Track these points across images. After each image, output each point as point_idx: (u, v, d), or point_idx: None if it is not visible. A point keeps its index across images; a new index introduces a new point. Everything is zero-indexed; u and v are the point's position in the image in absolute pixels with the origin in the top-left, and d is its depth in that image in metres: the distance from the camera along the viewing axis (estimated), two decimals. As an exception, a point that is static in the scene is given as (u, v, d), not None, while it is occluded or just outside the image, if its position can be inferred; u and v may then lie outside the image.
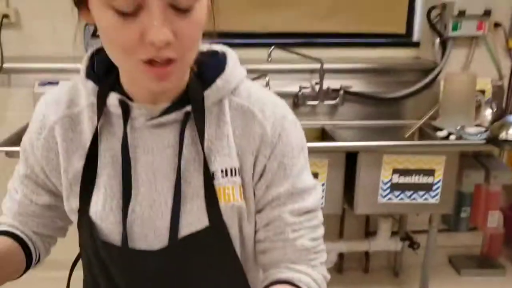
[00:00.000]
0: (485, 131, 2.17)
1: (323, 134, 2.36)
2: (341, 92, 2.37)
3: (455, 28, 2.36)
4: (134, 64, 0.64)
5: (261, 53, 2.27)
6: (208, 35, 0.72)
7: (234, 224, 0.78)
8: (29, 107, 2.22)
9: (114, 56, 0.68)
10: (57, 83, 2.22)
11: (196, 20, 0.65)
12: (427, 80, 2.39)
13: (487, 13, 2.33)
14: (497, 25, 2.44)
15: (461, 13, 2.31)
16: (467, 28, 2.36)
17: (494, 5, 2.35)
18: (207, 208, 0.75)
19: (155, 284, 0.79)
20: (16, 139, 1.90)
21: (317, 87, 2.36)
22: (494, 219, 2.59)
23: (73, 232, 0.86)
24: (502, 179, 2.41)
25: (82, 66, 0.79)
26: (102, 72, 0.77)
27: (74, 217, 0.81)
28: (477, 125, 2.26)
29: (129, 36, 0.62)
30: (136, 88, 0.74)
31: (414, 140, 2.29)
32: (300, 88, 2.35)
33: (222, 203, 0.76)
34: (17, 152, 1.79)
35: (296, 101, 2.37)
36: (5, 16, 2.22)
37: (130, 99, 0.75)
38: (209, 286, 0.81)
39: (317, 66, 2.28)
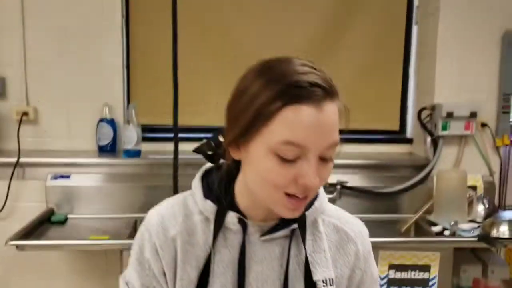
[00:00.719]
0: (478, 227, 2.24)
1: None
2: (338, 186, 2.47)
3: (444, 128, 2.50)
4: (278, 196, 0.78)
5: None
6: None
7: None
8: (41, 199, 2.32)
9: (261, 188, 0.80)
10: (68, 176, 2.34)
11: (331, 167, 0.80)
12: (420, 176, 2.50)
13: (473, 114, 2.49)
14: (484, 125, 2.59)
15: (449, 115, 2.47)
16: (456, 128, 2.51)
17: (480, 107, 2.52)
18: None
19: None
20: (26, 233, 1.97)
21: (315, 182, 2.46)
22: (494, 315, 2.58)
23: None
24: (499, 273, 2.44)
25: (196, 186, 0.90)
26: (218, 191, 0.88)
27: None
28: (471, 221, 2.34)
29: (285, 177, 0.76)
30: (254, 210, 0.87)
31: (410, 235, 2.35)
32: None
33: None
34: (28, 246, 1.88)
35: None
36: (25, 113, 2.38)
37: (245, 217, 0.87)
38: None
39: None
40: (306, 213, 0.89)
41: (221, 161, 0.93)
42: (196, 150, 0.94)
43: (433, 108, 2.54)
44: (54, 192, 2.32)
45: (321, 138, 0.75)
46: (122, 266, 1.95)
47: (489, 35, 2.54)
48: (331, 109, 0.76)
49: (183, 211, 0.90)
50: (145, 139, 2.49)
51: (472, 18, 2.52)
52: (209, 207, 0.87)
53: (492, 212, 2.42)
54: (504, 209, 2.65)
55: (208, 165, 0.94)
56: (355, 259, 0.92)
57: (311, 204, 0.90)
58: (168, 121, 2.61)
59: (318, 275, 0.88)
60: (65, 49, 2.42)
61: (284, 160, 0.75)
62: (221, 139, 0.89)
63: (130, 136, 2.40)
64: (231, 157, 0.85)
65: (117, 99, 2.50)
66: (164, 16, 2.47)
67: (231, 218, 0.86)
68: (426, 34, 2.66)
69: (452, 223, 2.21)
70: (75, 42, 2.42)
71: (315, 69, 0.78)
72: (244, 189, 0.87)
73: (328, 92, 0.76)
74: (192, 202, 0.90)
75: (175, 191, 0.99)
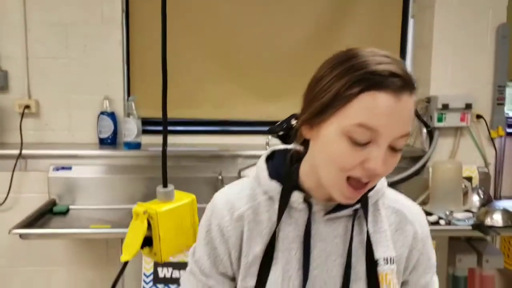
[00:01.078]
0: (473, 216, 2.28)
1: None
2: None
3: (440, 119, 2.54)
4: (339, 179, 0.81)
5: (261, 139, 2.45)
6: None
7: None
8: (43, 190, 2.36)
9: (326, 168, 0.83)
10: (70, 168, 2.38)
11: (398, 158, 0.82)
12: (416, 167, 2.53)
13: (469, 106, 2.53)
14: (479, 116, 2.62)
15: (445, 106, 2.50)
16: (451, 119, 2.55)
17: (475, 99, 2.56)
18: None
19: None
20: (29, 223, 2.01)
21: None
22: (490, 304, 2.62)
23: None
24: (494, 263, 2.48)
25: (261, 168, 0.95)
26: (283, 172, 0.93)
27: None
28: (466, 211, 2.37)
29: (353, 160, 0.79)
30: (318, 190, 0.90)
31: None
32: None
33: (383, 286, 0.90)
34: (32, 234, 1.92)
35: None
36: (27, 106, 2.42)
37: (309, 196, 0.91)
38: None
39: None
40: (368, 195, 0.92)
41: (284, 146, 0.98)
42: (269, 130, 1.00)
43: (428, 100, 2.57)
44: (56, 184, 2.36)
45: (395, 126, 0.78)
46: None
47: (484, 28, 2.58)
48: (408, 100, 0.79)
49: (247, 192, 0.95)
50: (144, 132, 2.53)
51: (467, 12, 2.56)
52: (274, 187, 0.92)
53: (487, 202, 2.46)
54: (500, 200, 2.69)
55: (270, 149, 0.99)
56: (412, 240, 0.96)
57: (373, 187, 0.92)
58: (167, 114, 2.67)
59: (379, 254, 0.91)
60: (66, 44, 2.46)
61: (355, 143, 0.78)
62: (293, 122, 0.94)
63: (131, 129, 2.44)
64: (301, 138, 0.90)
65: (117, 92, 2.54)
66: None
67: (297, 197, 0.90)
68: (422, 28, 2.69)
69: (447, 213, 2.24)
70: (75, 37, 2.46)
71: (396, 60, 0.81)
72: (309, 169, 0.91)
73: (407, 83, 0.79)
74: (256, 184, 0.95)
75: (164, 183, 1.03)
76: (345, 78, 0.79)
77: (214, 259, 0.95)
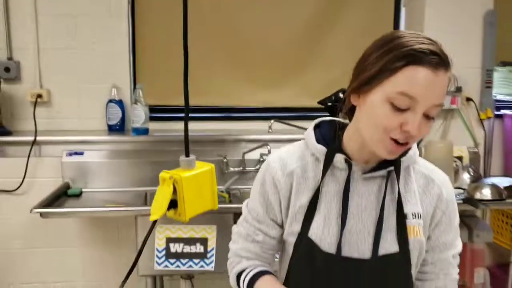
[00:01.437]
0: (464, 192, 2.43)
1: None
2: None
3: (431, 102, 2.68)
4: (383, 138, 0.97)
5: (263, 125, 2.59)
6: None
7: (414, 254, 1.08)
8: (56, 174, 2.49)
9: (370, 130, 0.99)
10: (82, 153, 2.50)
11: (431, 125, 0.98)
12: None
13: (459, 89, 2.68)
14: (468, 99, 2.77)
15: (436, 90, 2.64)
16: (442, 102, 2.69)
17: (465, 83, 2.70)
18: (398, 239, 1.05)
19: (355, 286, 1.05)
20: (47, 204, 2.14)
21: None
22: (480, 276, 2.77)
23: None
24: (483, 237, 2.62)
25: (309, 134, 1.13)
26: (328, 139, 1.11)
27: (292, 239, 1.10)
28: (457, 188, 2.52)
29: (394, 122, 0.95)
30: (357, 152, 1.07)
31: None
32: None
33: (411, 237, 1.06)
34: (51, 213, 2.04)
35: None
36: (39, 96, 2.54)
37: (350, 158, 1.07)
38: None
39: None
40: (401, 159, 1.07)
41: (329, 118, 1.15)
42: (320, 102, 1.23)
43: (421, 84, 2.71)
44: (69, 168, 2.48)
45: (431, 96, 0.93)
46: (137, 230, 2.11)
47: (472, 15, 2.72)
48: (443, 76, 0.94)
49: (298, 153, 1.13)
50: (151, 119, 2.65)
51: (456, 0, 2.69)
52: (320, 149, 1.09)
53: (476, 180, 2.61)
54: (489, 177, 2.83)
55: (318, 120, 1.16)
56: (437, 200, 1.10)
57: (405, 153, 1.08)
58: (172, 101, 2.80)
59: (408, 209, 1.07)
60: (75, 35, 2.58)
61: (396, 109, 0.94)
62: (340, 95, 1.11)
63: (138, 115, 2.56)
64: (349, 105, 1.06)
65: (124, 81, 2.66)
66: (167, 2, 2.64)
67: (339, 158, 1.07)
68: (413, 16, 2.83)
69: (439, 189, 2.38)
70: (84, 28, 2.58)
71: (435, 42, 0.96)
72: (354, 134, 1.07)
73: (444, 62, 0.94)
74: (305, 147, 1.13)
75: (187, 153, 1.17)
76: (392, 53, 0.94)
77: (267, 207, 1.13)
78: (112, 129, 2.63)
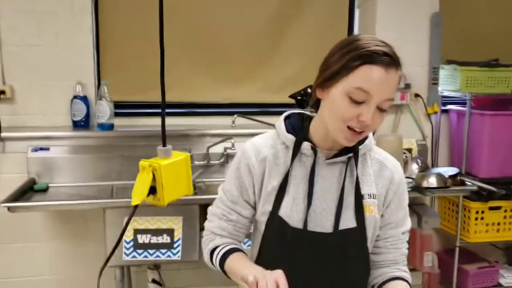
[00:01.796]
0: (412, 181, 2.62)
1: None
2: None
3: (383, 98, 2.86)
4: (342, 128, 1.12)
5: (227, 120, 2.70)
6: None
7: (370, 229, 1.23)
8: (22, 170, 2.51)
9: (332, 120, 1.13)
10: (48, 149, 2.53)
11: (383, 117, 1.13)
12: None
13: (408, 86, 2.87)
14: (417, 95, 2.97)
15: (387, 86, 2.82)
16: (393, 98, 2.87)
17: (413, 80, 2.90)
18: (356, 216, 1.21)
19: (319, 258, 1.20)
20: (16, 197, 2.17)
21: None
22: (429, 259, 2.97)
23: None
24: (431, 223, 2.82)
25: (280, 125, 1.27)
26: (296, 129, 1.25)
27: (264, 218, 1.24)
28: (407, 177, 2.71)
29: (351, 113, 1.09)
30: (322, 140, 1.22)
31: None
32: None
33: (366, 214, 1.22)
34: (19, 207, 2.07)
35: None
36: (2, 92, 2.54)
37: (315, 146, 1.20)
38: (349, 265, 1.23)
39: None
40: (359, 147, 1.22)
41: (298, 110, 1.31)
42: (291, 96, 1.35)
43: (373, 81, 2.88)
44: (35, 163, 2.51)
45: (383, 92, 1.08)
46: (105, 223, 2.17)
47: (420, 17, 2.92)
48: (394, 74, 1.10)
49: (270, 141, 1.27)
50: (115, 115, 2.69)
51: (405, 2, 2.89)
52: (290, 138, 1.23)
53: (424, 170, 2.81)
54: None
55: (288, 112, 1.30)
56: (389, 182, 1.26)
57: (362, 142, 1.23)
58: (137, 97, 2.86)
59: (364, 190, 1.23)
60: (38, 31, 2.59)
61: (353, 101, 1.09)
62: (308, 90, 1.25)
63: (104, 111, 2.61)
64: (314, 98, 1.20)
65: (89, 77, 2.69)
66: (130, 0, 2.70)
67: (306, 146, 1.21)
68: (366, 17, 3.00)
69: (391, 179, 2.55)
70: (48, 25, 2.59)
71: (388, 45, 1.11)
72: (319, 124, 1.21)
73: (395, 62, 1.10)
74: (276, 136, 1.27)
75: (164, 143, 1.26)
76: (351, 54, 1.09)
77: (241, 189, 1.26)
78: (77, 125, 2.66)
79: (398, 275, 1.28)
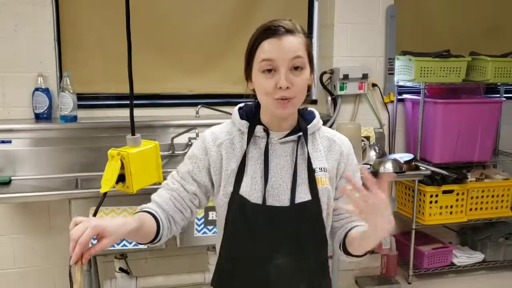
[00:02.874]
0: (370, 168, 2.74)
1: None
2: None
3: (342, 88, 2.97)
4: (271, 101, 1.24)
5: (191, 110, 2.75)
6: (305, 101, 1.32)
7: (324, 200, 1.31)
8: (-17, 163, 2.48)
9: (262, 99, 1.26)
10: (9, 141, 2.51)
11: (303, 77, 1.24)
12: (324, 129, 2.95)
13: (365, 76, 2.98)
14: (374, 85, 3.09)
15: (345, 77, 2.93)
16: (351, 88, 2.99)
17: (370, 70, 3.01)
18: (310, 189, 1.30)
19: (278, 230, 1.28)
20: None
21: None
22: (387, 242, 3.12)
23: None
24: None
25: (234, 113, 1.37)
26: (250, 116, 1.35)
27: (226, 199, 1.30)
28: (365, 164, 2.83)
29: (269, 85, 1.22)
30: (271, 122, 1.32)
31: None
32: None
33: (319, 186, 1.30)
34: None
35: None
36: (-40, 84, 2.50)
37: (267, 128, 1.30)
38: (306, 235, 1.30)
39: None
40: (308, 127, 1.33)
41: (251, 101, 1.39)
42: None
43: (332, 71, 2.99)
44: (-3, 157, 2.48)
45: (284, 53, 1.21)
46: (71, 215, 2.18)
47: (376, 9, 3.03)
48: (290, 39, 1.23)
49: (226, 129, 1.37)
50: (78, 106, 2.68)
51: (362, -5, 3.00)
52: (244, 124, 1.34)
53: (381, 156, 2.93)
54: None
55: (242, 104, 1.40)
56: (339, 156, 1.36)
57: (310, 122, 1.34)
58: (100, 89, 2.86)
59: (316, 165, 1.32)
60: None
61: (266, 73, 1.22)
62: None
63: (66, 103, 2.60)
64: (250, 90, 1.31)
65: (51, 69, 2.68)
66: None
67: (259, 129, 1.32)
68: (325, 9, 3.09)
69: (350, 165, 2.66)
70: (6, 16, 2.56)
71: (286, 20, 1.25)
72: (263, 109, 1.32)
73: (288, 30, 1.23)
74: (232, 124, 1.37)
75: (132, 132, 1.29)
76: (253, 39, 1.26)
77: (193, 169, 1.33)
78: (39, 118, 2.65)
79: (357, 224, 1.38)
